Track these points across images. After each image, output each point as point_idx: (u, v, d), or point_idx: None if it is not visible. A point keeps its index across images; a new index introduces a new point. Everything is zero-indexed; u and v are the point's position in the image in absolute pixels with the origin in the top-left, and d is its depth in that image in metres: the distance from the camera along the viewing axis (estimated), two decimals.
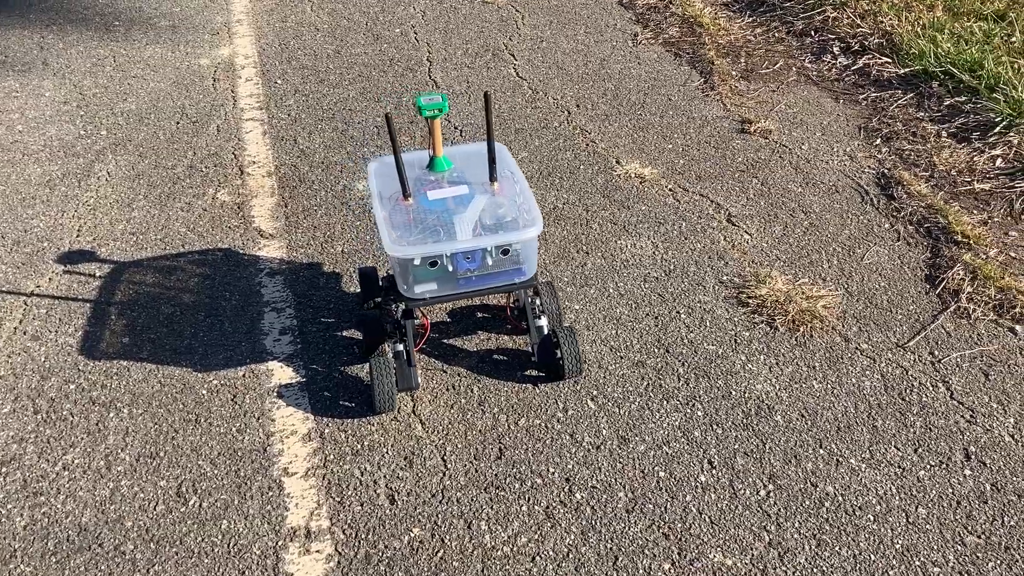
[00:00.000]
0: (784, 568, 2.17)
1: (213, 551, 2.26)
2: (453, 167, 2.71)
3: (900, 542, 2.22)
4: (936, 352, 2.77)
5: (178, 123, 4.15)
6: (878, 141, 3.83)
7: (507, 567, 2.19)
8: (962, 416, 2.55)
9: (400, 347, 2.63)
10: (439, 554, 2.23)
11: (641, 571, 2.17)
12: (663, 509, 2.32)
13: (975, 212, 3.35)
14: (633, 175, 3.65)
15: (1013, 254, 3.14)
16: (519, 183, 2.66)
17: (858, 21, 4.64)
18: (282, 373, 2.78)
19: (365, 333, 2.74)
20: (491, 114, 2.55)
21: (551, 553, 2.22)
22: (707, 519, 2.29)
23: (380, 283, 2.88)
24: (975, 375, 2.68)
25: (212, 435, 2.58)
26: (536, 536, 2.27)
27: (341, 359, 2.82)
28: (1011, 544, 2.21)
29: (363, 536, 2.29)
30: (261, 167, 3.81)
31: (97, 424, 2.62)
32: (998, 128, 3.69)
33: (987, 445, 2.46)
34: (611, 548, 2.23)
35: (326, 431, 2.58)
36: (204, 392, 2.72)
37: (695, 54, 4.62)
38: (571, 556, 2.21)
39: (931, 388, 2.64)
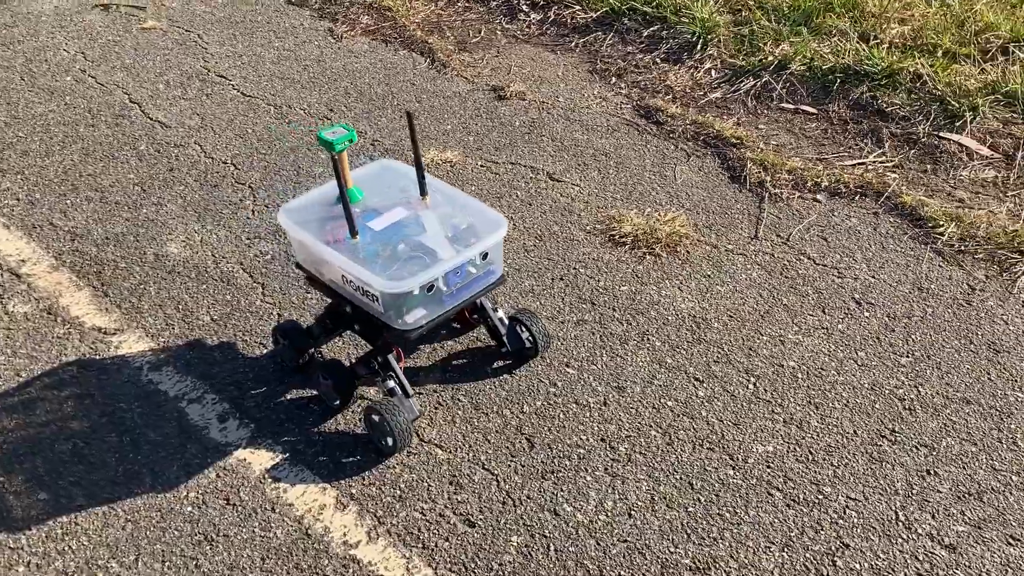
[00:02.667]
0: (808, 436, 2.59)
1: None
2: (365, 195, 2.67)
3: (865, 381, 2.75)
4: (780, 234, 3.34)
5: None
6: (614, 79, 4.33)
7: (615, 531, 2.35)
8: (833, 275, 3.15)
9: (391, 383, 2.57)
10: (551, 548, 2.32)
11: (717, 484, 2.46)
12: (693, 431, 2.61)
13: (726, 117, 4.00)
14: (441, 162, 3.76)
15: (774, 141, 3.83)
16: (441, 191, 2.70)
17: None
18: (257, 458, 2.57)
19: (336, 384, 2.63)
20: (415, 132, 2.56)
21: (640, 503, 2.42)
22: (729, 423, 2.63)
23: (310, 333, 2.76)
24: (818, 241, 3.30)
25: (238, 545, 2.34)
26: (617, 496, 2.44)
27: (308, 421, 2.68)
28: (930, 353, 2.85)
29: (471, 566, 2.29)
30: (37, 263, 3.30)
31: None
32: (698, 46, 4.38)
33: (864, 289, 3.09)
34: (681, 478, 2.48)
35: (354, 491, 2.47)
36: (190, 509, 2.44)
37: (404, 37, 4.75)
38: (657, 499, 2.43)
39: (798, 262, 3.21)
